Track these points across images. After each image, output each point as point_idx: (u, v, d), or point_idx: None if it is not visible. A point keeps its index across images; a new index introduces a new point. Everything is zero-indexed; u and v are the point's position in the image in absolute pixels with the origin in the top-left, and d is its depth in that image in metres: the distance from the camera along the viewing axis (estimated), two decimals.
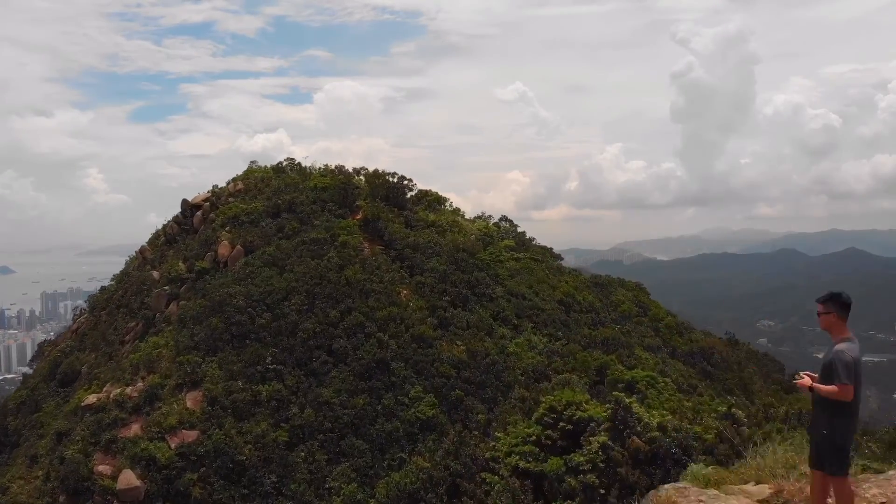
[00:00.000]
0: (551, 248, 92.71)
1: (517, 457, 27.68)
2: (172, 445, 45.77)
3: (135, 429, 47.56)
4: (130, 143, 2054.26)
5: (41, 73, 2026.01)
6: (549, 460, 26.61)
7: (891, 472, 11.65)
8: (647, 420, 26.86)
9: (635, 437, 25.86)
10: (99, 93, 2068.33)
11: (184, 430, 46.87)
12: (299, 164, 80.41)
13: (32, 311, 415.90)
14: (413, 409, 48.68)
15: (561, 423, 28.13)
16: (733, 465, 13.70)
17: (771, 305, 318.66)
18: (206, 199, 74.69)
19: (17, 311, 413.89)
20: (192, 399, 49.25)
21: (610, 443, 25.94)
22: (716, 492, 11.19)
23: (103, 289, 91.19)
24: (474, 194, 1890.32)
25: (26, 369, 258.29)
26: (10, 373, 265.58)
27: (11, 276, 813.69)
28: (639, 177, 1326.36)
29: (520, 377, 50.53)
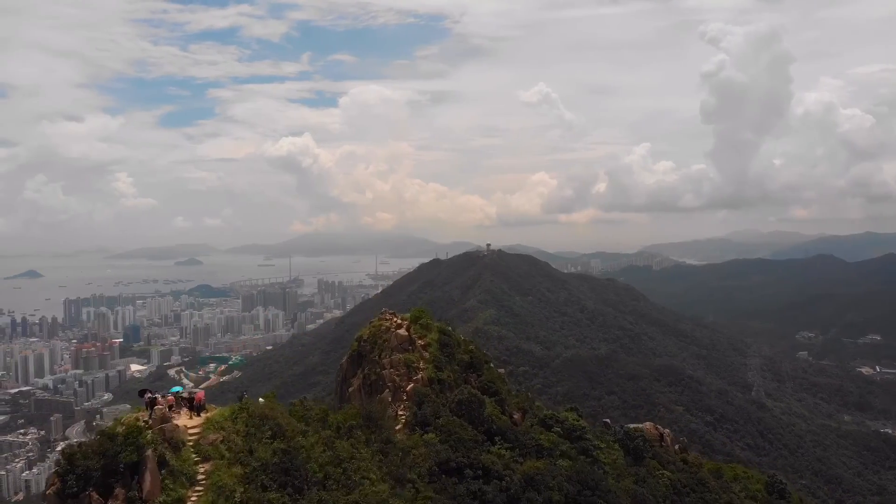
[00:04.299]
0: None
1: None
2: None
3: None
4: (159, 148, 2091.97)
5: (71, 79, 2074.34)
6: None
7: None
8: None
9: None
10: (129, 98, 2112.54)
11: None
12: None
13: (55, 318, 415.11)
14: None
15: None
16: None
17: (809, 315, 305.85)
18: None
19: (40, 318, 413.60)
20: None
21: None
22: None
23: None
24: (499, 196, 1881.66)
25: (45, 380, 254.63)
26: (27, 385, 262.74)
27: (39, 280, 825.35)
28: (668, 178, 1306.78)
29: None
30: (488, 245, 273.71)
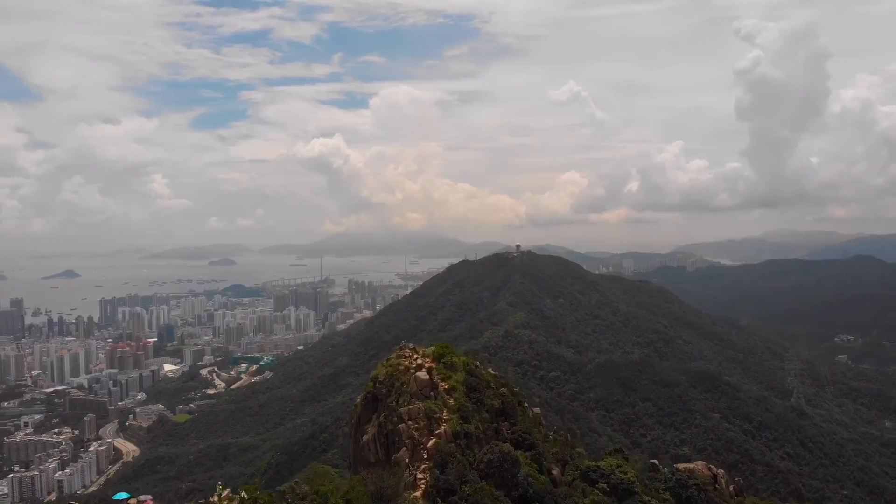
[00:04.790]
0: None
1: None
2: None
3: None
4: (193, 149, 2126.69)
5: (107, 82, 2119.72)
6: None
7: None
8: None
9: None
10: (163, 100, 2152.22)
11: None
12: None
13: (90, 318, 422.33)
14: None
15: None
16: None
17: (848, 318, 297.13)
18: None
19: (76, 318, 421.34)
20: None
21: None
22: None
23: None
24: (529, 196, 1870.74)
25: (81, 380, 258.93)
26: (62, 384, 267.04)
27: (76, 280, 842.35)
28: (702, 177, 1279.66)
29: None
30: (518, 246, 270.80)
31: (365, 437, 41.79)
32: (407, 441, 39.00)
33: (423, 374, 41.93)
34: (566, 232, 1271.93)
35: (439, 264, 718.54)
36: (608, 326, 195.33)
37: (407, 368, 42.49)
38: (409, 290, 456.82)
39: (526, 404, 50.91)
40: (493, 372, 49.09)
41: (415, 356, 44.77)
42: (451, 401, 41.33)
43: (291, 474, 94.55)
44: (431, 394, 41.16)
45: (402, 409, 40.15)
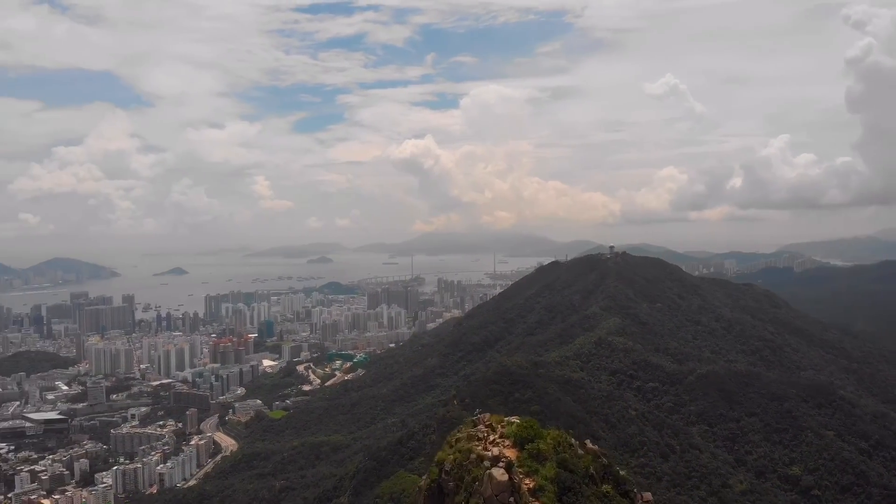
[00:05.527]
0: None
1: None
2: None
3: None
4: (293, 152, 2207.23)
5: (212, 88, 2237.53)
6: None
7: None
8: None
9: None
10: (265, 105, 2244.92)
11: None
12: None
13: (196, 314, 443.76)
14: None
15: None
16: None
17: None
18: None
19: (183, 314, 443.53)
20: None
21: None
22: None
23: None
24: (624, 193, 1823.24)
25: (185, 374, 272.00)
26: (168, 377, 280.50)
27: (184, 277, 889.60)
28: (810, 172, 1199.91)
29: None
30: (612, 247, 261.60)
31: None
32: None
33: (500, 474, 32.00)
34: (663, 231, 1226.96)
35: (528, 263, 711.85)
36: (710, 333, 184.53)
37: (480, 458, 33.20)
38: (498, 289, 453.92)
39: (636, 491, 37.55)
40: (593, 447, 37.57)
41: (491, 438, 35.17)
42: None
43: (379, 480, 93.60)
44: (511, 500, 31.45)
45: None
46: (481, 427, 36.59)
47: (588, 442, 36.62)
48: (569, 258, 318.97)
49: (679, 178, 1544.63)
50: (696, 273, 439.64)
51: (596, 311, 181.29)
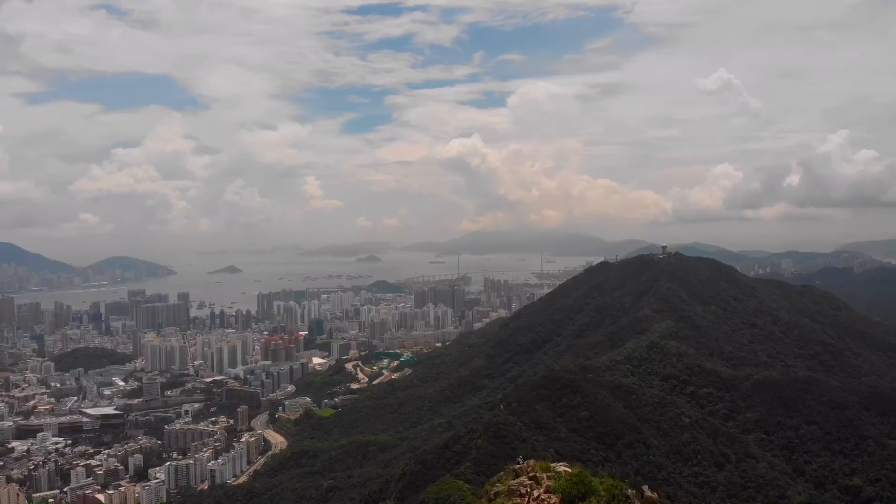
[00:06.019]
0: None
1: None
2: None
3: None
4: (343, 153, 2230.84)
5: (265, 91, 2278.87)
6: None
7: None
8: None
9: None
10: (315, 107, 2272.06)
11: None
12: None
13: (248, 311, 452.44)
14: None
15: None
16: None
17: None
18: None
19: (236, 311, 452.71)
20: None
21: None
22: None
23: None
24: (676, 191, 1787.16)
25: (237, 370, 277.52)
26: (221, 374, 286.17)
27: (238, 275, 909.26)
28: (871, 169, 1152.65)
29: None
30: (664, 247, 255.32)
31: None
32: None
33: None
34: (717, 229, 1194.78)
35: (576, 263, 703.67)
36: (767, 337, 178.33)
37: None
38: (545, 289, 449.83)
39: None
40: (652, 496, 32.27)
41: (535, 494, 30.60)
42: None
43: (424, 484, 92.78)
44: None
45: None
46: (524, 479, 32.51)
47: (646, 489, 32.59)
48: (619, 258, 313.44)
49: (734, 176, 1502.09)
50: (752, 273, 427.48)
51: (648, 313, 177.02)
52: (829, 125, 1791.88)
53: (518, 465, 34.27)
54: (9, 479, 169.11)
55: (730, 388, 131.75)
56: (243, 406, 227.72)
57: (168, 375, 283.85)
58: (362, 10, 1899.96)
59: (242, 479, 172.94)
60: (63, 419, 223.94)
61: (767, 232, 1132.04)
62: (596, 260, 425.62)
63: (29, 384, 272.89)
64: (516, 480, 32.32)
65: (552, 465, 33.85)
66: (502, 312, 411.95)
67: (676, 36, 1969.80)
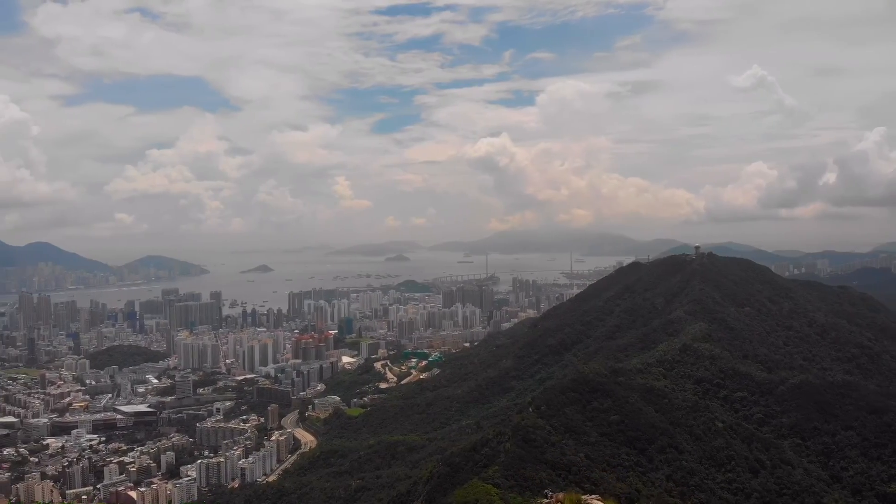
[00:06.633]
0: None
1: None
2: None
3: None
4: (372, 153, 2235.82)
5: (295, 92, 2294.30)
6: None
7: None
8: None
9: None
10: (345, 108, 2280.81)
11: None
12: None
13: (279, 310, 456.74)
14: None
15: None
16: None
17: None
18: None
19: (267, 310, 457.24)
20: None
21: None
22: None
23: None
24: (708, 190, 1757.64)
25: (268, 369, 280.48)
26: (252, 372, 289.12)
27: (270, 274, 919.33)
28: None
29: None
30: (697, 247, 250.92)
31: None
32: None
33: None
34: (751, 229, 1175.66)
35: (607, 263, 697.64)
36: (802, 339, 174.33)
37: None
38: (575, 289, 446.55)
39: None
40: None
41: None
42: None
43: (452, 487, 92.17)
44: None
45: None
46: None
47: None
48: (650, 258, 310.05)
49: (768, 174, 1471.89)
50: (787, 274, 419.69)
51: (680, 315, 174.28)
52: (865, 122, 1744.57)
53: (546, 500, 33.98)
54: (43, 476, 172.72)
55: (765, 392, 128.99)
56: (273, 404, 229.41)
57: (200, 373, 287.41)
58: (391, 11, 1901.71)
59: (272, 477, 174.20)
60: (97, 416, 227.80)
61: (803, 231, 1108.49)
62: (627, 260, 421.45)
63: (64, 381, 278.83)
64: None
65: (583, 497, 32.61)
66: (531, 313, 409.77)
67: (709, 32, 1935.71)
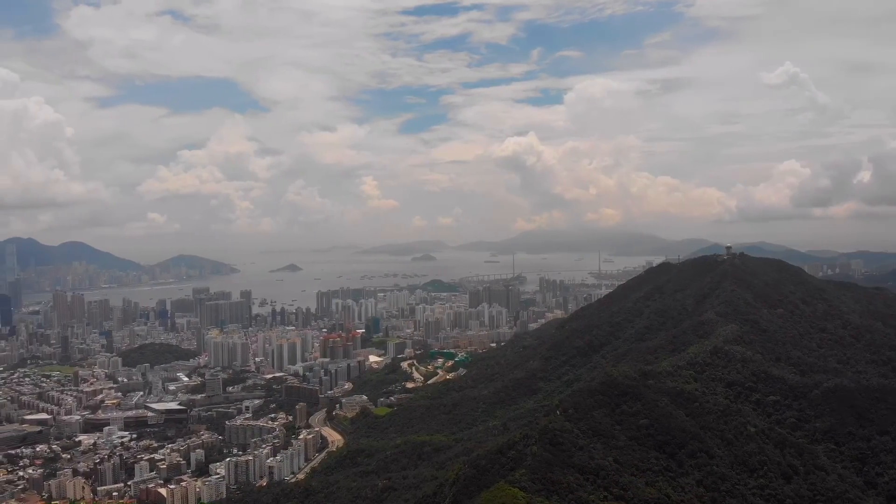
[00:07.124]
0: None
1: None
2: None
3: None
4: (399, 153, 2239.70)
5: (324, 93, 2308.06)
6: None
7: None
8: None
9: None
10: (373, 108, 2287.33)
11: None
12: None
13: (308, 309, 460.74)
14: None
15: None
16: None
17: None
18: None
19: (296, 309, 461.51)
20: None
21: None
22: None
23: None
24: (740, 189, 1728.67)
25: (296, 367, 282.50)
26: (280, 371, 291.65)
27: (298, 274, 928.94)
28: None
29: None
30: (728, 248, 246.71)
31: None
32: None
33: None
34: (784, 228, 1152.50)
35: (636, 263, 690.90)
36: (837, 342, 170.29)
37: None
38: (603, 289, 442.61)
39: None
40: None
41: None
42: None
43: (478, 490, 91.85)
44: None
45: None
46: None
47: None
48: (681, 258, 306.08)
49: (801, 173, 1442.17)
50: (820, 274, 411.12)
51: (711, 316, 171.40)
52: None
53: None
54: (75, 473, 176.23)
55: (798, 396, 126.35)
56: (302, 403, 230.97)
57: (230, 372, 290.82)
58: (419, 11, 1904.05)
59: (300, 476, 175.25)
60: (129, 413, 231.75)
61: (837, 231, 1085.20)
62: (657, 260, 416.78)
63: (97, 379, 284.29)
64: None
65: None
66: (558, 313, 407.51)
67: (739, 29, 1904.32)
